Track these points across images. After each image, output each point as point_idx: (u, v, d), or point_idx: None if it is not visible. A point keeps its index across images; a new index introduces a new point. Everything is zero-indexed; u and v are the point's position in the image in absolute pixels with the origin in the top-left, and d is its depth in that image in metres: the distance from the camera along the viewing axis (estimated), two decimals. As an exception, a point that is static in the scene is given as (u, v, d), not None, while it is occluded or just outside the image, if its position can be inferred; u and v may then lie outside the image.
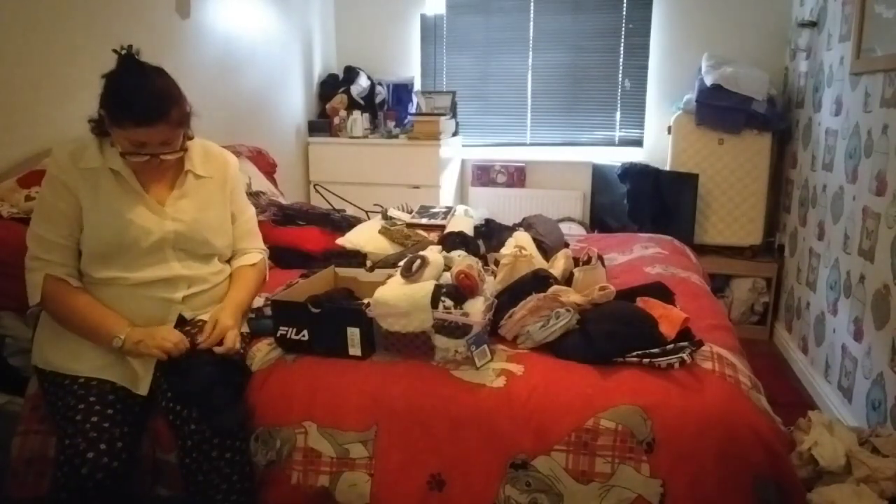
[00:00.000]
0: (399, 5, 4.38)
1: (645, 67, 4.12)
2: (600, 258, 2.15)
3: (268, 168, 3.40)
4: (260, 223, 2.00)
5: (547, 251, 2.28)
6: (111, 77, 1.55)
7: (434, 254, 1.85)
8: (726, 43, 3.90)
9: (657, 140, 4.10)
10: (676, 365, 1.60)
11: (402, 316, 1.68)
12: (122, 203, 1.63)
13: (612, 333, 1.66)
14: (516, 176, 4.38)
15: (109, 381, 1.59)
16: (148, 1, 2.76)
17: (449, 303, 1.66)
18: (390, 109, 4.31)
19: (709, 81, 3.55)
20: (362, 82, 4.26)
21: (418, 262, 1.76)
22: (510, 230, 2.44)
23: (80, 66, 2.38)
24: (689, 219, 3.67)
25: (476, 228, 2.49)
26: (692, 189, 3.64)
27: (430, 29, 4.34)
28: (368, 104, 4.25)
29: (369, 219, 2.71)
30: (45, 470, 1.62)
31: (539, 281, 1.89)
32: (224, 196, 1.81)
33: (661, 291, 1.89)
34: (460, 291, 1.69)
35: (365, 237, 2.37)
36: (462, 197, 4.49)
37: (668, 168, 3.80)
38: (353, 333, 1.72)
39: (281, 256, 2.39)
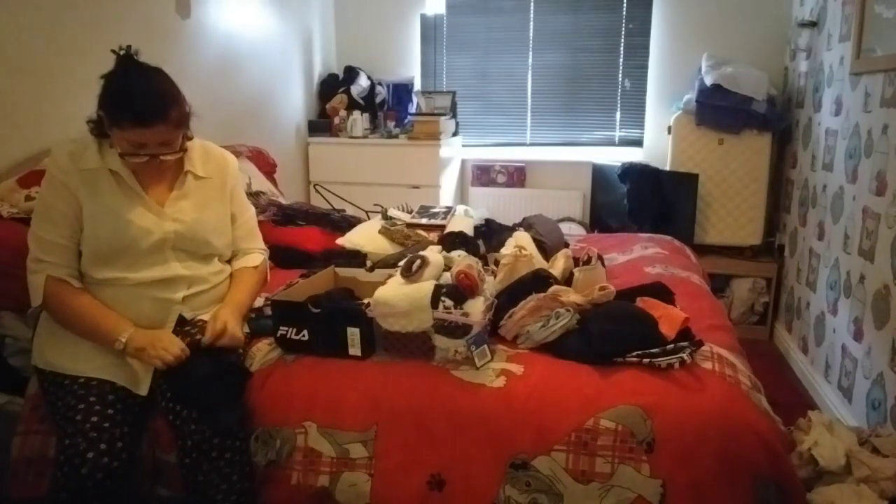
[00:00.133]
0: (399, 5, 4.38)
1: (645, 67, 4.12)
2: (600, 258, 2.15)
3: (268, 168, 3.40)
4: (260, 223, 2.00)
5: (547, 251, 2.28)
6: (110, 78, 1.55)
7: (434, 254, 1.85)
8: (726, 43, 3.90)
9: (657, 140, 4.10)
10: (676, 365, 1.60)
11: (402, 316, 1.68)
12: (121, 204, 1.63)
13: (612, 333, 1.66)
14: (516, 176, 4.38)
15: (109, 382, 1.59)
16: (148, 1, 2.76)
17: (449, 303, 1.66)
18: (390, 109, 4.31)
19: (709, 81, 3.55)
20: (362, 82, 4.26)
21: (418, 262, 1.76)
22: (510, 230, 2.44)
23: (80, 66, 2.38)
24: (689, 219, 3.67)
25: (476, 228, 2.49)
26: (692, 189, 3.64)
27: (430, 29, 4.34)
28: (368, 104, 4.25)
29: (369, 219, 2.71)
30: (45, 470, 1.62)
31: (539, 281, 1.89)
32: (224, 196, 1.81)
33: (661, 291, 1.89)
34: (460, 291, 1.69)
35: (365, 237, 2.37)
36: (462, 197, 4.49)
37: (668, 168, 3.80)
38: (353, 333, 1.72)
39: (281, 256, 2.39)
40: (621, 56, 4.17)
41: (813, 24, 3.34)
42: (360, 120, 4.03)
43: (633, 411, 1.51)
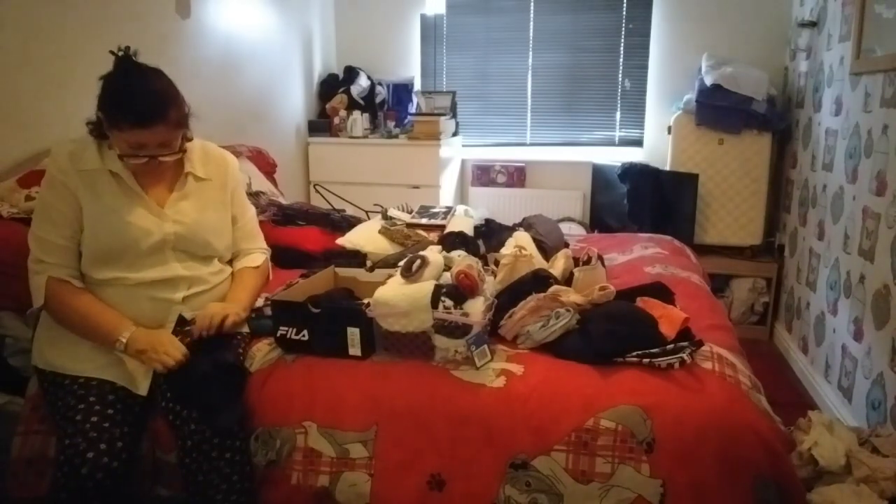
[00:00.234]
0: (399, 5, 4.38)
1: (645, 67, 4.11)
2: (600, 258, 2.15)
3: (268, 168, 3.40)
4: (260, 223, 2.00)
5: (547, 251, 2.28)
6: (108, 79, 1.55)
7: (434, 254, 1.85)
8: (726, 43, 3.90)
9: (657, 140, 4.10)
10: (676, 365, 1.60)
11: (402, 316, 1.68)
12: (121, 205, 1.63)
13: (612, 333, 1.66)
14: (516, 176, 4.38)
15: (109, 381, 1.59)
16: (148, 1, 2.76)
17: (449, 303, 1.66)
18: (390, 109, 4.31)
19: (709, 81, 3.55)
20: (362, 82, 4.26)
21: (418, 262, 1.76)
22: (510, 230, 2.44)
23: (80, 66, 2.38)
24: (689, 219, 3.67)
25: (476, 228, 2.49)
26: (692, 189, 3.64)
27: (430, 29, 4.34)
28: (368, 104, 4.25)
29: (369, 219, 2.71)
30: (45, 470, 1.62)
31: (539, 281, 1.89)
32: (224, 197, 1.81)
33: (661, 291, 1.89)
34: (460, 291, 1.69)
35: (365, 237, 2.37)
36: (462, 197, 4.49)
37: (668, 168, 3.80)
38: (353, 333, 1.72)
39: (281, 256, 2.39)
40: (621, 56, 4.17)
41: (813, 24, 3.34)
42: (360, 120, 4.03)
43: (633, 411, 1.51)
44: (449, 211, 2.61)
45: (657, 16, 4.03)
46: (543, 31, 4.26)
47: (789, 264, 3.60)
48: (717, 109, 3.55)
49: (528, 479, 1.52)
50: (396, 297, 1.69)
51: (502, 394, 1.58)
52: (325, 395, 1.64)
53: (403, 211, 2.70)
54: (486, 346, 1.67)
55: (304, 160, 4.18)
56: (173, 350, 1.56)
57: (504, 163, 4.38)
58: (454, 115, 4.21)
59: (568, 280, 2.06)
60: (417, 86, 4.41)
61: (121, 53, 1.57)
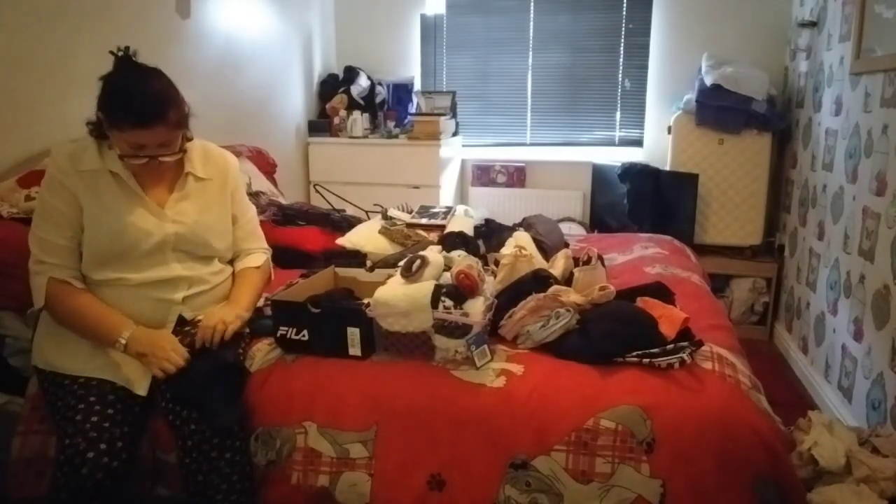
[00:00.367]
0: (399, 5, 4.38)
1: (645, 67, 4.12)
2: (600, 258, 2.14)
3: (268, 168, 3.40)
4: (260, 223, 2.00)
5: (547, 251, 2.28)
6: (108, 79, 1.55)
7: (434, 254, 1.85)
8: (726, 43, 3.90)
9: (657, 140, 4.10)
10: (676, 365, 1.60)
11: (402, 316, 1.68)
12: (121, 205, 1.63)
13: (612, 333, 1.66)
14: (516, 176, 4.38)
15: (109, 381, 1.59)
16: (148, 1, 2.76)
17: (449, 303, 1.66)
18: (390, 109, 4.31)
19: (709, 81, 3.55)
20: (362, 82, 4.26)
21: (418, 262, 1.76)
22: (510, 230, 2.44)
23: (80, 66, 2.38)
24: (689, 219, 3.67)
25: (476, 228, 2.49)
26: (692, 189, 3.64)
27: (430, 29, 4.34)
28: (368, 104, 4.25)
29: (369, 219, 2.71)
30: (45, 470, 1.62)
31: (539, 281, 1.89)
32: (225, 197, 1.81)
33: (661, 291, 1.89)
34: (460, 291, 1.69)
35: (365, 237, 2.37)
36: (462, 197, 4.49)
37: (668, 168, 3.80)
38: (353, 333, 1.72)
39: (281, 256, 2.38)
40: (621, 56, 4.17)
41: (813, 24, 3.34)
42: (360, 120, 4.04)
43: (632, 411, 1.51)
44: (449, 211, 2.61)
45: (657, 16, 4.03)
46: (543, 31, 4.26)
47: (789, 264, 3.60)
48: (717, 109, 3.55)
49: (528, 479, 1.52)
50: (396, 297, 1.69)
51: (502, 394, 1.58)
52: (325, 395, 1.64)
53: (403, 211, 2.70)
54: (486, 346, 1.67)
55: (304, 160, 4.18)
56: (174, 356, 1.56)
57: (504, 163, 4.38)
58: (454, 115, 4.21)
59: (568, 280, 2.06)
60: (417, 86, 4.41)
61: (121, 53, 1.57)
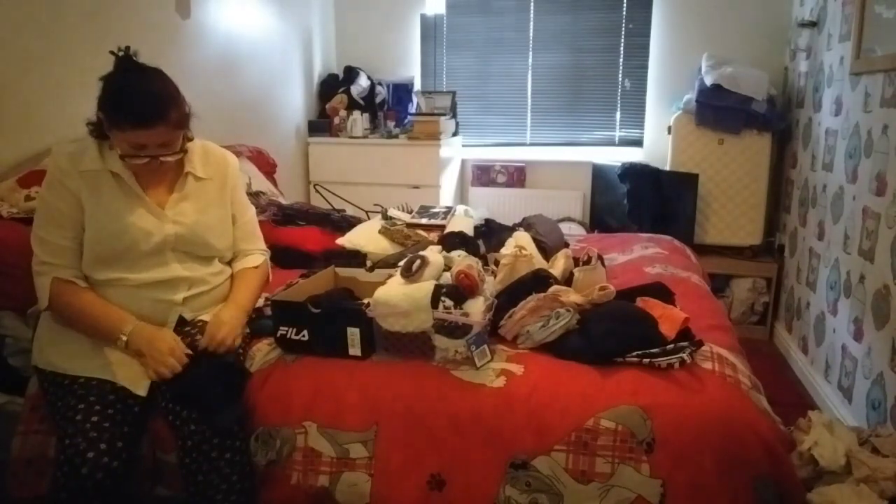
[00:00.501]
0: (399, 5, 4.38)
1: (645, 67, 4.12)
2: (600, 258, 2.14)
3: (268, 168, 3.40)
4: (260, 223, 2.00)
5: (547, 251, 2.28)
6: (108, 79, 1.55)
7: (434, 254, 1.85)
8: (726, 43, 3.90)
9: (657, 140, 4.10)
10: (676, 365, 1.60)
11: (402, 316, 1.68)
12: (122, 206, 1.63)
13: (612, 333, 1.66)
14: (516, 176, 4.38)
15: (109, 382, 1.59)
16: (148, 1, 2.76)
17: (449, 303, 1.66)
18: (390, 109, 4.31)
19: (709, 81, 3.55)
20: (362, 82, 4.26)
21: (418, 262, 1.76)
22: (510, 230, 2.44)
23: (80, 66, 2.38)
24: (689, 219, 3.67)
25: (476, 228, 2.49)
26: (692, 189, 3.64)
27: (430, 29, 4.34)
28: (368, 104, 4.25)
29: (369, 219, 2.71)
30: (45, 470, 1.62)
31: (539, 281, 1.89)
32: (224, 197, 1.81)
33: (661, 291, 1.89)
34: (460, 291, 1.69)
35: (365, 237, 2.37)
36: (462, 197, 4.49)
37: (668, 168, 3.80)
38: (353, 333, 1.72)
39: (281, 256, 2.39)
40: (621, 56, 4.17)
41: (813, 24, 3.34)
42: (360, 120, 4.03)
43: (632, 411, 1.51)
44: (449, 211, 2.62)
45: (657, 16, 4.03)
46: (543, 31, 4.26)
47: (789, 264, 3.60)
48: (717, 109, 3.55)
49: (529, 479, 1.52)
50: (396, 297, 1.69)
51: (502, 394, 1.58)
52: (325, 395, 1.64)
53: (403, 211, 2.70)
54: (486, 346, 1.67)
55: (304, 160, 4.18)
56: (171, 360, 1.56)
57: (504, 163, 4.38)
58: (454, 115, 4.21)
59: (568, 280, 2.06)
60: (417, 86, 4.41)
61: (121, 53, 1.57)
